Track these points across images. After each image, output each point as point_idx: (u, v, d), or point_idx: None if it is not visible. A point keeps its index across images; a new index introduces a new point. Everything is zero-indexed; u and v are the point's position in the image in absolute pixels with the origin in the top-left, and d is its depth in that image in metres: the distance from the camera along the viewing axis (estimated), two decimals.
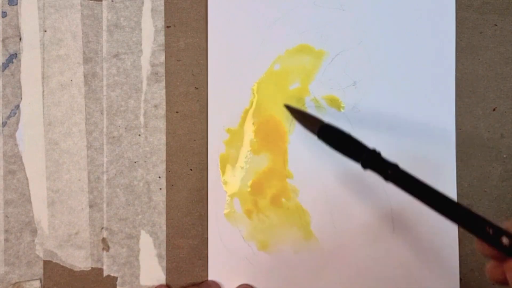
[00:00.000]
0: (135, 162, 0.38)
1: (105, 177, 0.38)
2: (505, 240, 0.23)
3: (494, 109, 0.38)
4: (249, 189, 0.38)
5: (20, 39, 0.38)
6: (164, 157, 0.38)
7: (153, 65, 0.38)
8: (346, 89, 0.38)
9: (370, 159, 0.29)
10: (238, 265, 0.37)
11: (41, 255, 0.37)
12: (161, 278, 0.38)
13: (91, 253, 0.38)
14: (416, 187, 0.27)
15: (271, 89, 0.38)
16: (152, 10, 0.38)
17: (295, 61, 0.38)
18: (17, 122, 0.38)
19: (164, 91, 0.38)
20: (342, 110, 0.38)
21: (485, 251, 0.25)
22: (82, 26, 0.38)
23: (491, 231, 0.24)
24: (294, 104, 0.38)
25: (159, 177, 0.38)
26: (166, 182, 0.38)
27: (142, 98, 0.38)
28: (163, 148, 0.38)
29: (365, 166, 0.30)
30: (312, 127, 0.33)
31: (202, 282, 0.37)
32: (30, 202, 0.37)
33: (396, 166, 0.29)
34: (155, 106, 0.38)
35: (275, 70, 0.38)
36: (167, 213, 0.38)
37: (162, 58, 0.38)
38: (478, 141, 0.38)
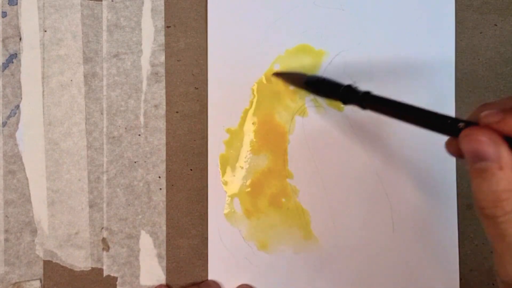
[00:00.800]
0: (135, 162, 0.38)
1: (105, 177, 0.38)
2: (461, 125, 0.25)
3: None
4: (249, 189, 0.38)
5: (20, 39, 0.38)
6: (164, 157, 0.38)
7: (153, 65, 0.38)
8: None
9: (346, 93, 0.32)
10: (238, 265, 0.37)
11: (41, 255, 0.37)
12: (161, 278, 0.38)
13: (91, 253, 0.38)
14: (389, 105, 0.30)
15: (271, 89, 0.38)
16: (152, 10, 0.38)
17: (295, 61, 0.38)
18: (17, 122, 0.38)
19: (164, 91, 0.38)
20: (342, 110, 0.38)
21: (451, 148, 0.28)
22: (82, 26, 0.38)
23: (449, 121, 0.26)
24: (294, 104, 0.38)
25: (159, 177, 0.38)
26: (166, 182, 0.38)
27: (142, 98, 0.38)
28: (163, 148, 0.38)
29: (344, 101, 0.33)
30: (299, 82, 0.37)
31: (202, 281, 0.37)
32: (30, 202, 0.37)
33: (368, 93, 0.31)
34: (155, 106, 0.38)
35: (275, 70, 0.38)
36: (167, 213, 0.38)
37: (162, 58, 0.38)
38: None
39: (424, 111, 0.28)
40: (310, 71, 0.38)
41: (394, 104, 0.29)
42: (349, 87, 0.32)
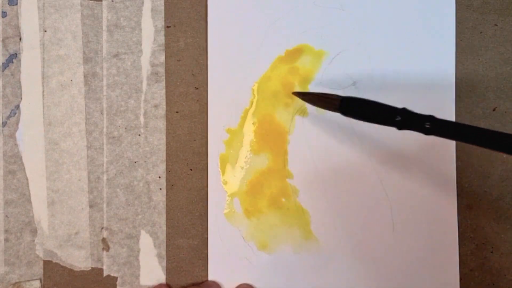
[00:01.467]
0: (135, 162, 0.38)
1: (105, 177, 0.38)
2: None
3: (494, 109, 0.38)
4: (249, 189, 0.38)
5: (20, 39, 0.38)
6: (164, 157, 0.38)
7: (153, 65, 0.38)
8: (346, 89, 0.38)
9: (404, 119, 0.29)
10: (238, 265, 0.37)
11: (41, 255, 0.37)
12: (161, 278, 0.38)
13: (91, 253, 0.38)
14: (457, 131, 0.28)
15: (271, 89, 0.38)
16: (152, 10, 0.38)
17: (295, 61, 0.38)
18: (17, 122, 0.38)
19: (164, 91, 0.38)
20: None
21: None
22: (82, 26, 0.38)
23: None
24: (294, 104, 0.38)
25: (159, 177, 0.38)
26: (166, 182, 0.38)
27: (142, 98, 0.38)
28: (163, 148, 0.38)
29: (400, 126, 0.30)
30: (331, 105, 0.33)
31: (202, 282, 0.37)
32: (30, 202, 0.37)
33: (432, 117, 0.29)
34: (155, 106, 0.38)
35: (275, 70, 0.38)
36: (167, 213, 0.38)
37: (162, 58, 0.38)
38: None
39: (495, 133, 0.27)
40: (310, 71, 0.38)
41: (464, 128, 0.28)
42: (405, 112, 0.30)
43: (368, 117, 0.31)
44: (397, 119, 0.30)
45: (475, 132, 0.28)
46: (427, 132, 0.29)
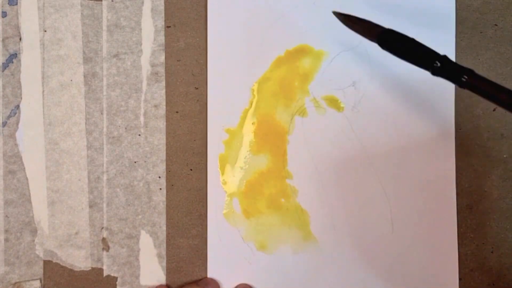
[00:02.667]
0: (135, 162, 0.38)
1: (105, 177, 0.38)
2: None
3: (494, 109, 0.38)
4: (248, 189, 0.38)
5: (20, 39, 0.38)
6: (164, 157, 0.38)
7: (153, 65, 0.38)
8: (346, 90, 0.38)
9: (442, 65, 0.29)
10: (237, 265, 0.37)
11: (41, 255, 0.37)
12: (161, 278, 0.38)
13: (91, 253, 0.38)
14: (494, 91, 0.27)
15: (271, 89, 0.38)
16: (152, 10, 0.38)
17: (295, 62, 0.38)
18: (17, 122, 0.38)
19: (164, 91, 0.38)
20: (342, 111, 0.38)
21: None
22: (82, 26, 0.38)
23: None
24: (294, 104, 0.38)
25: (159, 177, 0.38)
26: (166, 182, 0.38)
27: (142, 98, 0.38)
28: (163, 148, 0.38)
29: (436, 73, 0.29)
30: (370, 33, 0.33)
31: (201, 279, 0.37)
32: (30, 202, 0.38)
33: (472, 71, 0.28)
34: (155, 106, 0.38)
35: (275, 70, 0.38)
36: (167, 213, 0.38)
37: (162, 58, 0.38)
38: (478, 141, 0.38)
39: None
40: (309, 72, 0.38)
41: (502, 91, 0.27)
42: (445, 59, 0.29)
43: (406, 54, 0.30)
44: (435, 65, 0.29)
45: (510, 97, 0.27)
46: (461, 85, 0.28)
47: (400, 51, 0.31)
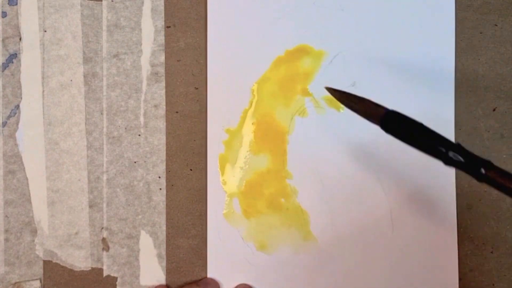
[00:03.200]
0: (135, 162, 0.38)
1: (105, 177, 0.38)
2: None
3: (494, 109, 0.38)
4: (248, 189, 0.38)
5: (20, 39, 0.38)
6: (164, 157, 0.38)
7: (153, 65, 0.38)
8: (346, 90, 0.38)
9: (457, 156, 0.25)
10: (237, 265, 0.37)
11: (41, 255, 0.37)
12: (161, 278, 0.38)
13: (91, 253, 0.38)
14: None
15: (271, 89, 0.38)
16: (152, 10, 0.38)
17: (295, 62, 0.38)
18: (17, 122, 0.38)
19: (164, 91, 0.38)
20: (342, 111, 0.38)
21: None
22: (82, 26, 0.38)
23: None
24: (294, 105, 0.38)
25: (159, 177, 0.38)
26: (166, 182, 0.38)
27: (142, 98, 0.38)
28: (163, 148, 0.38)
29: (450, 163, 0.26)
30: (371, 114, 0.29)
31: (201, 279, 0.37)
32: (30, 202, 0.38)
33: (490, 163, 0.25)
34: (155, 106, 0.38)
35: (274, 70, 0.38)
36: (167, 213, 0.38)
37: (162, 58, 0.38)
38: (478, 141, 0.38)
39: None
40: (309, 72, 0.38)
41: None
42: (460, 148, 0.26)
43: (414, 141, 0.27)
44: (449, 155, 0.26)
45: None
46: (479, 178, 0.25)
47: (407, 137, 0.27)
